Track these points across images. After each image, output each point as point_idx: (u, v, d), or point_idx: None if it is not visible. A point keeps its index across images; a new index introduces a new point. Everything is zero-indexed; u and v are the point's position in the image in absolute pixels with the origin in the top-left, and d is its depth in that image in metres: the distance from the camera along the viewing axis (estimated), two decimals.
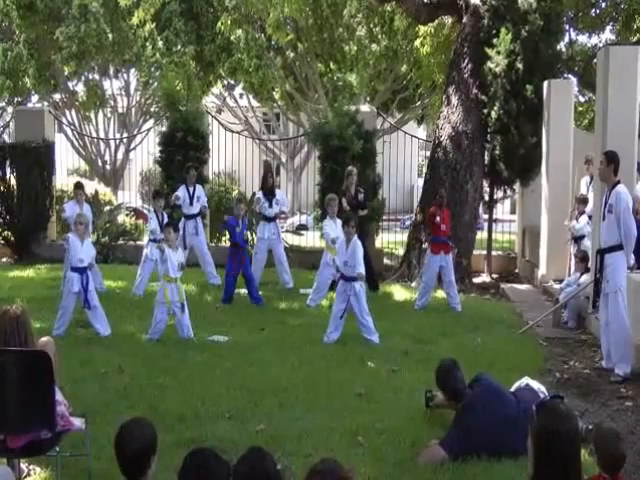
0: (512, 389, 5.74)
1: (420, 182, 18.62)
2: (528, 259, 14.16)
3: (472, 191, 13.26)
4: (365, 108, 15.29)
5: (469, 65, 13.31)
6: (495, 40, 12.92)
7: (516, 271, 14.65)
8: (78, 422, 4.85)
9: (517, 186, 14.41)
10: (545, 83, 12.63)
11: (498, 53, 12.87)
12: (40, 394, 4.50)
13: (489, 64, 12.93)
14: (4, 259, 15.06)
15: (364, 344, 8.38)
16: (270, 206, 11.74)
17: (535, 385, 5.78)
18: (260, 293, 10.87)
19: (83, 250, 8.72)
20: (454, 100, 13.38)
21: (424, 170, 15.66)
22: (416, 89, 25.92)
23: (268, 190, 11.84)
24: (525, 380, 5.89)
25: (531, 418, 3.15)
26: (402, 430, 5.66)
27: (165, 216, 11.21)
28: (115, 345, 8.21)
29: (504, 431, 5.10)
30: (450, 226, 10.70)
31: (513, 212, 19.13)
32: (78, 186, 11.84)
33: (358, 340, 8.47)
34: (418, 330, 9.10)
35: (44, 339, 5.19)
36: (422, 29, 16.87)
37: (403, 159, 14.83)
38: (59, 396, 4.78)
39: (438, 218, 10.49)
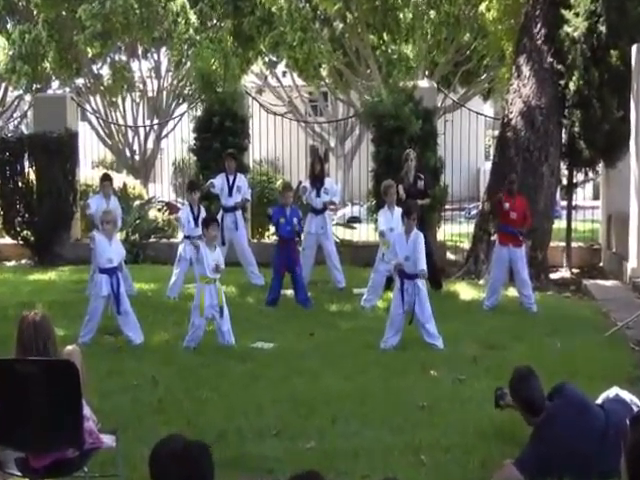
0: (599, 401, 5.62)
1: (487, 166, 18.42)
2: (615, 251, 13.91)
3: (548, 174, 13.07)
4: (424, 83, 15.24)
5: (542, 30, 13.11)
6: (573, 0, 12.67)
7: (600, 265, 14.43)
8: (108, 439, 4.91)
9: (600, 167, 14.15)
10: (633, 47, 12.36)
11: (576, 15, 12.64)
12: (66, 409, 4.56)
13: (566, 28, 12.72)
14: (23, 261, 15.34)
15: (426, 350, 8.35)
16: (318, 195, 11.73)
17: (627, 396, 5.65)
18: (308, 294, 10.89)
19: (112, 249, 8.82)
20: (526, 71, 13.19)
21: (492, 152, 15.50)
22: (481, 60, 25.62)
23: (316, 178, 11.83)
24: (614, 390, 5.75)
25: (624, 434, 3.05)
26: (470, 447, 5.61)
27: (202, 210, 11.26)
28: (148, 354, 8.30)
29: (590, 449, 4.99)
30: (524, 215, 10.51)
31: (596, 197, 18.81)
32: (105, 178, 12.00)
33: (419, 345, 8.44)
34: (488, 333, 9.05)
35: (69, 347, 5.25)
36: None
37: (468, 140, 14.71)
38: (87, 411, 4.84)
39: (507, 204, 10.36)
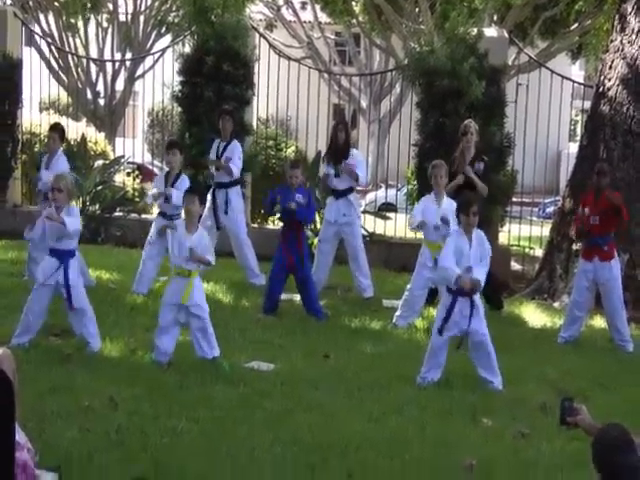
0: None
1: (573, 148, 18.29)
2: None
3: None
4: (491, 32, 15.22)
5: None
6: None
7: None
8: (48, 478, 4.88)
9: None
10: None
11: None
12: None
13: None
14: None
15: (479, 390, 8.32)
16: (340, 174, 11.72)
17: None
18: (322, 303, 10.89)
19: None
20: (634, 22, 13.10)
21: (579, 130, 15.43)
22: (572, 4, 25.50)
23: (338, 151, 11.79)
24: None
25: None
26: None
27: (185, 179, 11.22)
28: (105, 367, 8.28)
29: None
30: (609, 216, 10.39)
31: None
32: (54, 128, 11.84)
33: (470, 383, 8.42)
34: (563, 375, 9.01)
35: None
36: None
37: (547, 112, 14.62)
38: (21, 437, 4.82)
39: (587, 209, 10.26)
